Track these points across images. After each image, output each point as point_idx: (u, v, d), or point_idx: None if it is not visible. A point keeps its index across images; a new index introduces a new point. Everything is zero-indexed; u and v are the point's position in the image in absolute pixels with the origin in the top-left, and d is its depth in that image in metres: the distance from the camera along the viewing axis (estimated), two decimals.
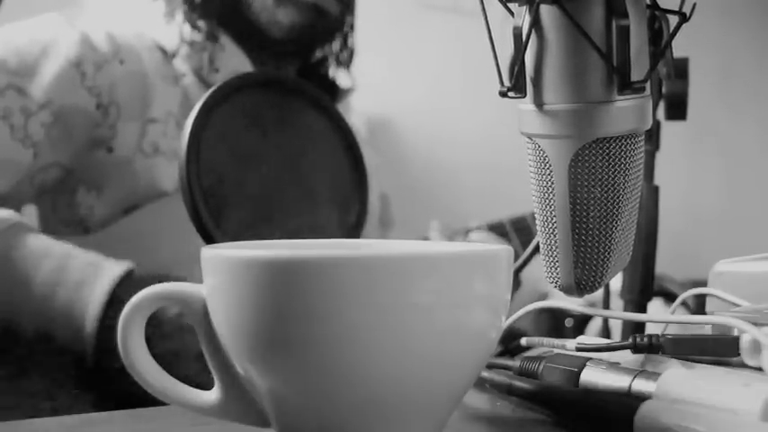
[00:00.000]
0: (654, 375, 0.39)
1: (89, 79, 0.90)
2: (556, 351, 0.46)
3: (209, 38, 0.97)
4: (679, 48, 0.46)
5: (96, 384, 0.79)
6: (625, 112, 0.38)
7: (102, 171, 0.93)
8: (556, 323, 1.23)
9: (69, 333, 0.77)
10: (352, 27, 1.10)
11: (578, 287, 0.40)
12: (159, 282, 0.38)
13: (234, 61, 0.98)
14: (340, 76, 1.11)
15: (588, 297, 0.43)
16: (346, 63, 1.10)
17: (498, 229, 1.23)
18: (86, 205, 0.93)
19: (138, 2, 1.02)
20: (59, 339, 0.78)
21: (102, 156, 0.92)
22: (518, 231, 1.23)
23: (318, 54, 1.08)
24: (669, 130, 0.64)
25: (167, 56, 0.97)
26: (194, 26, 0.97)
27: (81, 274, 0.78)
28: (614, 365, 0.42)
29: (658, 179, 0.63)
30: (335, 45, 1.08)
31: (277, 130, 0.60)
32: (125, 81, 0.93)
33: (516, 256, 0.64)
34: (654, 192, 0.62)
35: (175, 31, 0.98)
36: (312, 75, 1.08)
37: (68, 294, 0.77)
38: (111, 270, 0.78)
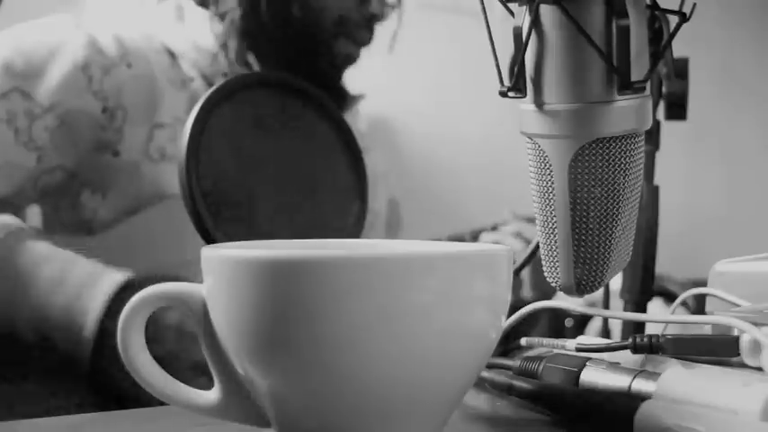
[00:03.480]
0: (654, 375, 0.39)
1: (96, 83, 0.90)
2: (556, 351, 0.46)
3: (243, 64, 0.96)
4: (679, 48, 0.46)
5: (93, 388, 0.79)
6: (625, 112, 0.38)
7: (108, 175, 0.93)
8: (556, 323, 1.23)
9: (68, 338, 0.77)
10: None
11: (578, 287, 0.40)
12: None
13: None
14: (349, 83, 1.10)
15: (588, 297, 0.43)
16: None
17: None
18: (91, 207, 0.93)
19: (147, 3, 1.01)
20: (58, 344, 0.78)
21: (107, 159, 0.92)
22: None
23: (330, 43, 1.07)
24: (669, 130, 0.64)
25: (176, 59, 0.97)
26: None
27: (81, 280, 0.78)
28: (614, 365, 0.42)
29: (658, 179, 0.63)
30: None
31: (277, 129, 0.60)
32: (132, 85, 0.92)
33: None
34: (654, 192, 0.62)
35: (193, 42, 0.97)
36: (321, 80, 1.08)
37: (68, 300, 0.77)
38: (112, 277, 0.78)
